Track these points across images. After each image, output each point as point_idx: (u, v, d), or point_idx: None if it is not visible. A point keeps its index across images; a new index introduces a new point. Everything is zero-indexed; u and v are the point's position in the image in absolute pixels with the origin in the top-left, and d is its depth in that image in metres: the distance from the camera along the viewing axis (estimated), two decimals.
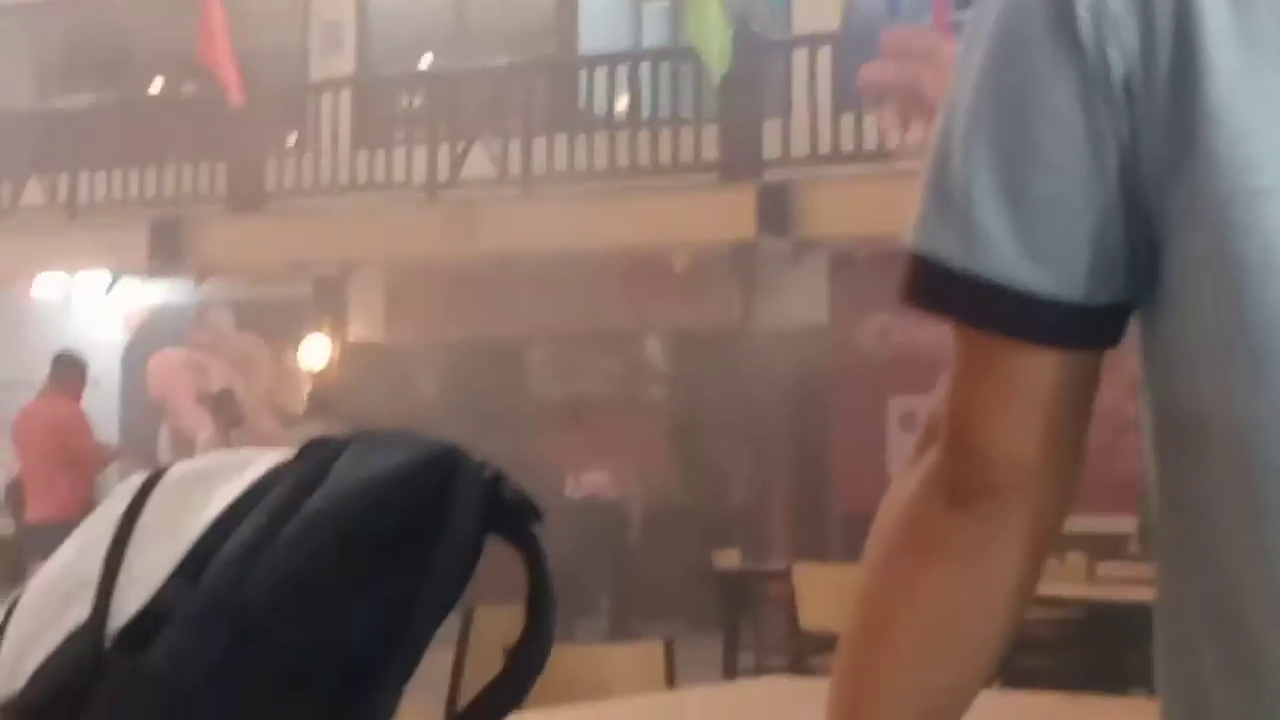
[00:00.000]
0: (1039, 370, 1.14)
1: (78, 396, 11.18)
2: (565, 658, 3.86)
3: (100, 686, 0.91)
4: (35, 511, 10.79)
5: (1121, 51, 1.07)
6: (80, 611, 0.93)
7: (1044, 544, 1.20)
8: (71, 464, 10.70)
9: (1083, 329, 1.13)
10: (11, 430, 11.23)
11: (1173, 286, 1.09)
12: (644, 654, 4.29)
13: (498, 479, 0.98)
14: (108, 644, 0.92)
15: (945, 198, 1.14)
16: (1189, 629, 1.13)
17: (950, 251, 1.13)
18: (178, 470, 1.01)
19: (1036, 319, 1.12)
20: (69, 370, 11.28)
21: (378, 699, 0.93)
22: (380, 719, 0.93)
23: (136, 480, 1.01)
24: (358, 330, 16.10)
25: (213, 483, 0.98)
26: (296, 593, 0.92)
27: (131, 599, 0.93)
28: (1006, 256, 1.11)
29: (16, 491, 12.01)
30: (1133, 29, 1.07)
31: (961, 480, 1.18)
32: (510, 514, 0.98)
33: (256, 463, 0.99)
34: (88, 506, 10.50)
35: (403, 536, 0.94)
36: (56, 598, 0.95)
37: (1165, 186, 1.08)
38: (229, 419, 13.63)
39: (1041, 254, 1.11)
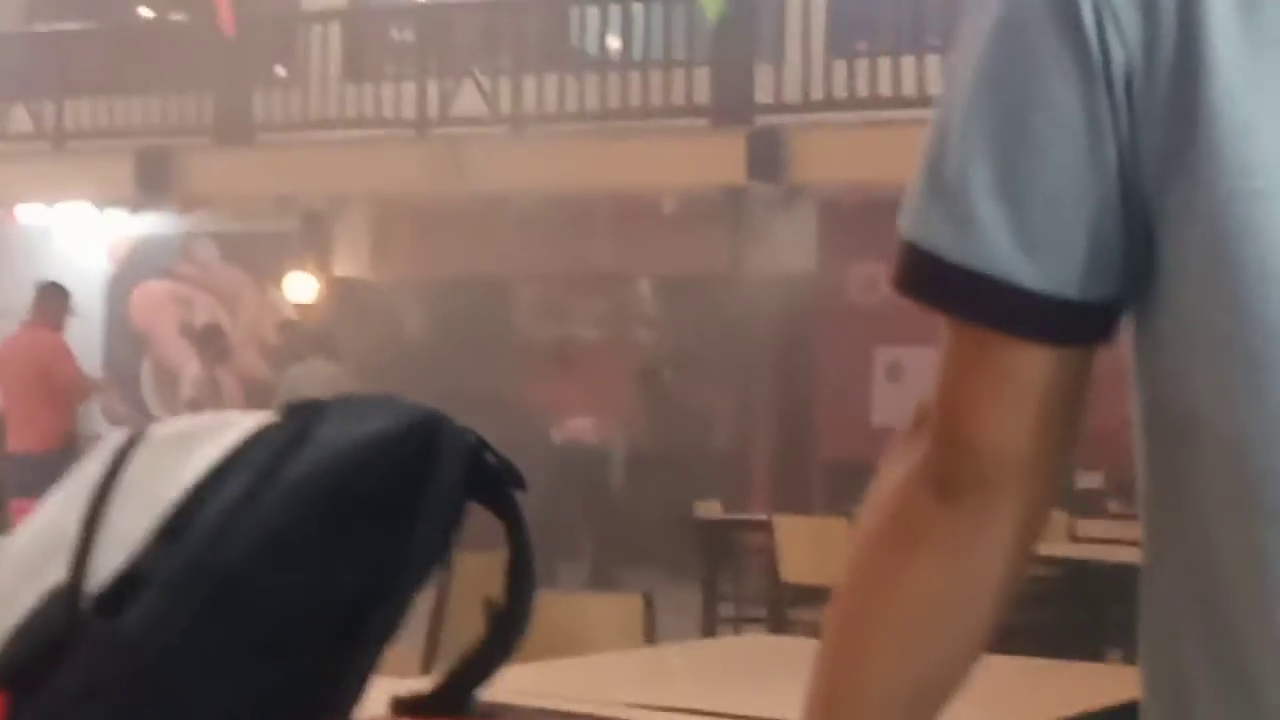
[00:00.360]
0: (1031, 365, 1.13)
1: (60, 327, 11.14)
2: (546, 607, 3.83)
3: (77, 648, 0.90)
4: (15, 442, 10.76)
5: (1123, 43, 1.05)
6: (57, 572, 0.92)
7: (1032, 536, 1.20)
8: (53, 395, 10.67)
9: (1076, 325, 1.12)
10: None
11: (1168, 284, 1.08)
12: (623, 605, 4.27)
13: (480, 446, 0.99)
14: (85, 606, 0.91)
15: (940, 188, 1.12)
16: (1174, 629, 1.12)
17: (944, 243, 1.12)
18: (158, 431, 1.00)
19: (1030, 314, 1.11)
20: (52, 301, 11.26)
21: (359, 660, 0.93)
22: (361, 679, 0.93)
23: (116, 440, 1.00)
24: (343, 266, 16.03)
25: (193, 444, 0.97)
26: (277, 555, 0.91)
27: (110, 560, 0.92)
28: (1001, 250, 1.10)
29: None
30: (1136, 21, 1.05)
31: (950, 473, 1.17)
32: (492, 481, 0.98)
33: (238, 425, 0.99)
34: (69, 438, 10.58)
35: (385, 500, 0.94)
36: (34, 557, 0.94)
37: (1164, 182, 1.06)
38: (215, 354, 13.59)
39: (1037, 248, 1.09)
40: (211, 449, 0.96)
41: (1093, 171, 1.08)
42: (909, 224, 1.15)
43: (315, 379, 13.09)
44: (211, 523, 0.92)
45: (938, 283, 1.13)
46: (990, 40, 1.10)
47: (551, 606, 4.13)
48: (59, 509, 0.96)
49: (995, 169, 1.09)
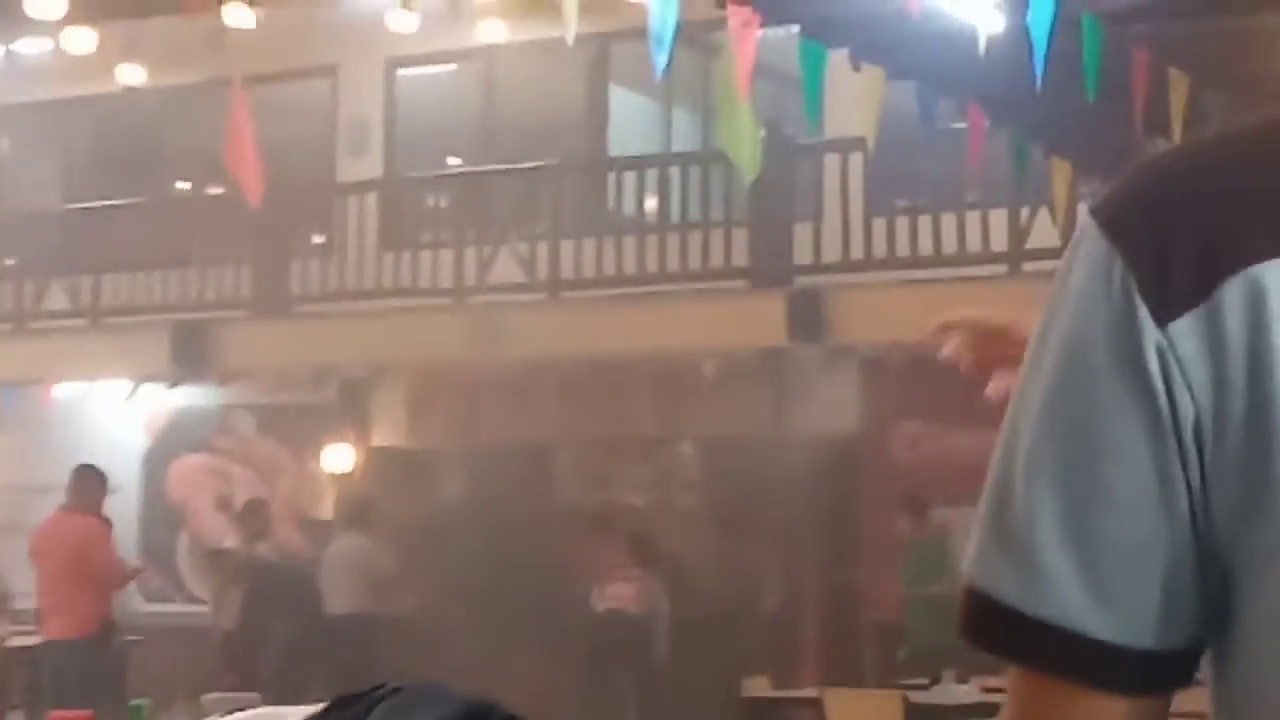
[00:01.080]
0: (1108, 716, 1.06)
1: (98, 511, 11.05)
2: None
3: None
4: (53, 629, 10.77)
5: (1191, 395, 1.01)
6: None
7: None
8: (91, 581, 10.61)
9: (1153, 675, 1.07)
10: (30, 546, 11.13)
11: (1245, 633, 1.04)
12: None
13: None
14: None
15: (1005, 535, 1.07)
16: None
17: (1012, 592, 1.06)
18: None
19: (1106, 666, 1.05)
20: (89, 483, 11.18)
21: None
22: None
23: None
24: (382, 435, 15.90)
25: None
26: None
27: None
28: (1073, 601, 1.04)
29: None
30: (1204, 371, 1.01)
31: None
32: None
33: None
34: (106, 624, 10.50)
35: None
36: None
37: (1238, 532, 1.02)
38: (256, 530, 13.41)
39: (1110, 598, 1.04)
40: None
41: (1165, 520, 1.03)
42: (975, 570, 1.09)
43: (350, 555, 12.93)
44: None
45: (1008, 632, 1.07)
46: (1053, 380, 1.06)
47: None
48: None
49: (1063, 517, 1.04)
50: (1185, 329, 1.01)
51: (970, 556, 1.09)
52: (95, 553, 10.73)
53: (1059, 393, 1.05)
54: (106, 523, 11.10)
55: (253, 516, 13.87)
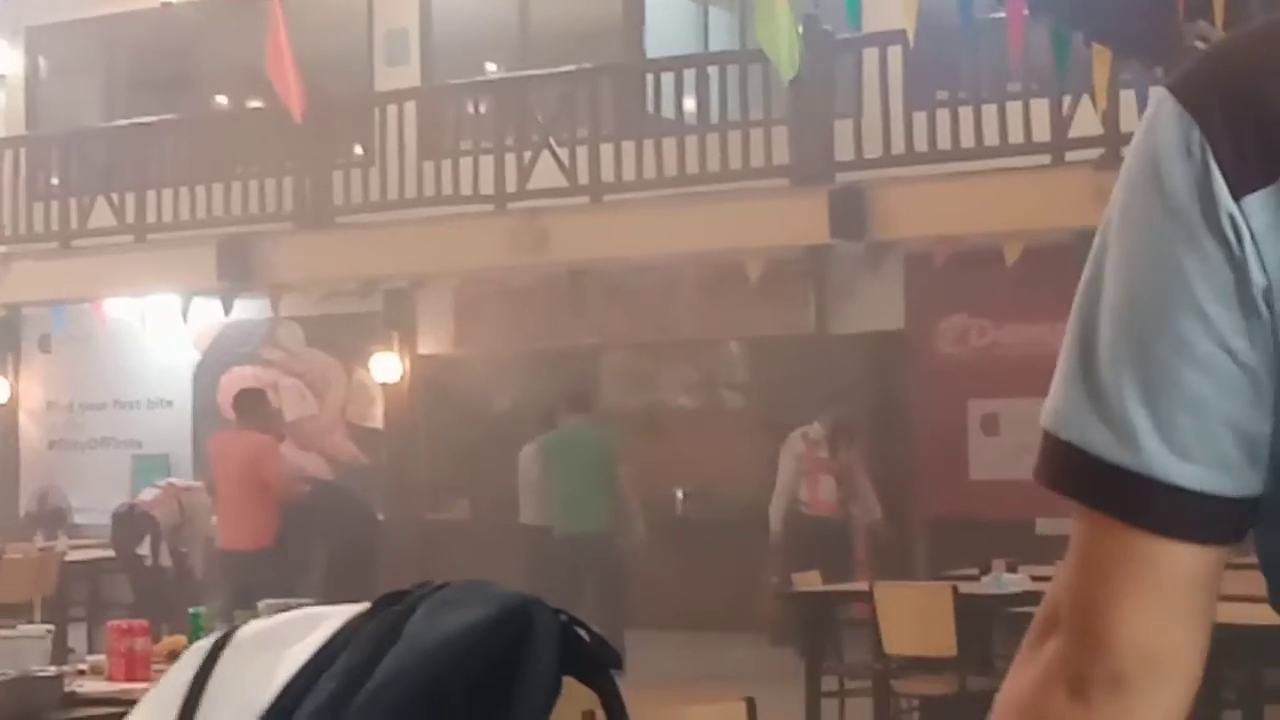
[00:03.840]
0: (1178, 564, 1.12)
1: (266, 428, 11.71)
2: (643, 715, 3.67)
3: None
4: (227, 540, 11.28)
5: (1264, 267, 1.07)
6: None
7: None
8: (265, 492, 11.11)
9: (1225, 523, 1.11)
10: (207, 460, 11.90)
11: None
12: (726, 714, 4.08)
13: (572, 624, 1.02)
14: None
15: (1094, 392, 1.12)
16: None
17: (1097, 440, 1.12)
18: (246, 631, 1.02)
19: (1185, 514, 1.10)
20: (252, 403, 11.83)
21: None
22: None
23: (204, 644, 1.03)
24: (428, 344, 15.97)
25: (282, 644, 0.99)
26: None
27: None
28: (1154, 450, 1.10)
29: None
30: (1275, 246, 1.07)
31: (1087, 672, 1.14)
32: (586, 658, 1.02)
33: (327, 621, 1.01)
34: (278, 536, 11.02)
35: (480, 692, 0.98)
36: None
37: None
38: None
39: (1188, 449, 1.10)
40: (301, 648, 0.98)
41: (1241, 375, 1.08)
42: (1057, 421, 1.14)
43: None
44: None
45: (1090, 480, 1.12)
46: (1135, 237, 1.11)
47: (650, 715, 3.95)
48: (149, 716, 0.98)
49: (1144, 372, 1.10)
50: (1258, 204, 1.06)
51: (1051, 408, 1.14)
52: (267, 465, 11.22)
53: (1140, 251, 1.10)
54: (276, 437, 11.85)
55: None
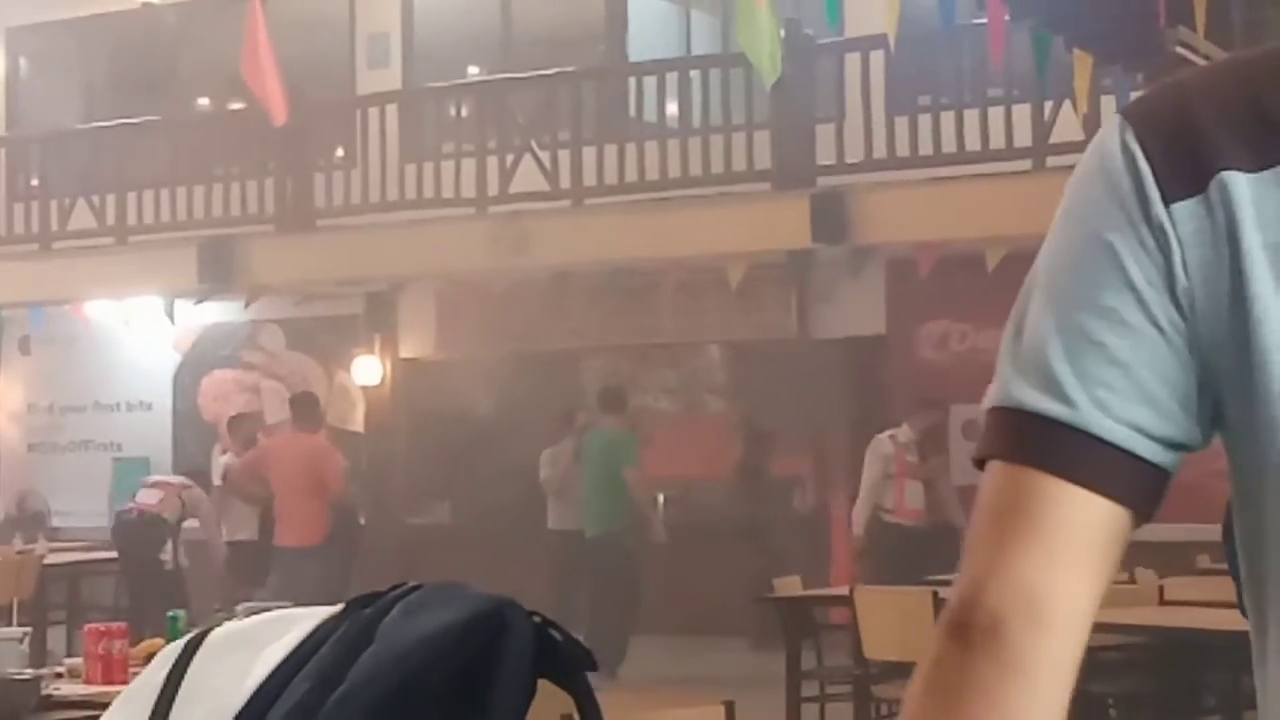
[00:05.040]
0: (1077, 510, 1.15)
1: (318, 430, 12.50)
2: (621, 714, 3.66)
3: None
4: (283, 537, 11.90)
5: (1186, 272, 1.15)
6: None
7: (1063, 681, 1.16)
8: (320, 492, 11.78)
9: (1129, 482, 1.16)
10: (265, 460, 12.31)
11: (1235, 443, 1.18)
12: (705, 716, 4.08)
13: (546, 626, 1.02)
14: None
15: (1020, 356, 1.18)
16: None
17: (1024, 397, 1.16)
18: (220, 632, 1.03)
19: (1091, 462, 1.14)
20: (306, 406, 12.58)
21: None
22: None
23: (178, 644, 1.03)
24: (409, 347, 15.95)
25: (256, 645, 0.99)
26: None
27: None
28: (1078, 401, 1.15)
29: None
30: (1196, 252, 1.15)
31: (969, 615, 1.16)
32: (560, 659, 1.02)
33: (300, 623, 1.01)
34: (328, 534, 11.66)
35: (455, 693, 0.98)
36: None
37: (1225, 394, 1.16)
38: (244, 442, 13.36)
39: (1110, 404, 1.15)
40: (275, 649, 0.98)
41: (1166, 344, 1.15)
42: (987, 399, 1.19)
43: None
44: None
45: (1009, 434, 1.16)
46: (1073, 226, 1.19)
47: (628, 714, 3.95)
48: (123, 716, 0.99)
49: (1069, 340, 1.16)
50: (1186, 213, 1.15)
51: (989, 392, 1.19)
52: (328, 466, 11.89)
53: (1077, 234, 1.19)
54: (329, 439, 12.57)
55: (239, 428, 13.82)
